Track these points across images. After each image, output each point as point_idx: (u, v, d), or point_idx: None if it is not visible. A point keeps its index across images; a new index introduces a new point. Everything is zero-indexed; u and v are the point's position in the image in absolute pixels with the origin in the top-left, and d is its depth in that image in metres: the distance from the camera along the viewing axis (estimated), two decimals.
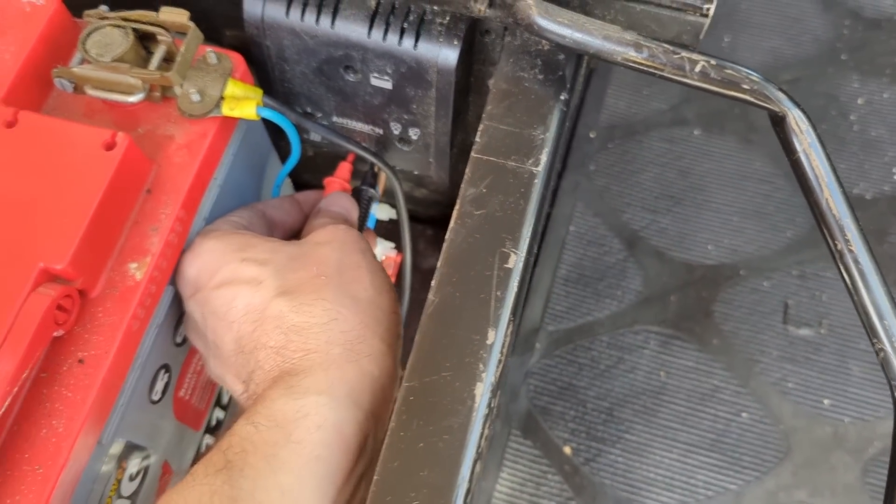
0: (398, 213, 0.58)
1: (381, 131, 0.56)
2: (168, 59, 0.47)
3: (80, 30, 0.49)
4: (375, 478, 0.35)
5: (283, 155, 0.61)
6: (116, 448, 0.47)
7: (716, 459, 0.73)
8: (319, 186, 0.60)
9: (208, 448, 0.58)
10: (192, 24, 0.45)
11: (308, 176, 0.73)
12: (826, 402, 0.75)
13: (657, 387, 0.76)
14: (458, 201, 0.40)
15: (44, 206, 0.41)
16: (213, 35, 0.48)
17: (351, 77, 0.52)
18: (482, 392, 0.36)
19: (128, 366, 0.44)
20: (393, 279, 0.59)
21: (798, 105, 0.39)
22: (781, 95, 0.38)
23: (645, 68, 0.40)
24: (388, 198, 0.72)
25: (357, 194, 0.58)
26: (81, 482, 0.42)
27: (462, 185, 0.41)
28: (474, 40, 0.50)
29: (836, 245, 0.39)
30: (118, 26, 0.46)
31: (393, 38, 0.48)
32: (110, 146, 0.43)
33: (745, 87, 0.39)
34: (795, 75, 0.89)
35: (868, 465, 0.72)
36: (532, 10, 0.40)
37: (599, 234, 0.84)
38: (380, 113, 0.54)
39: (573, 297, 0.80)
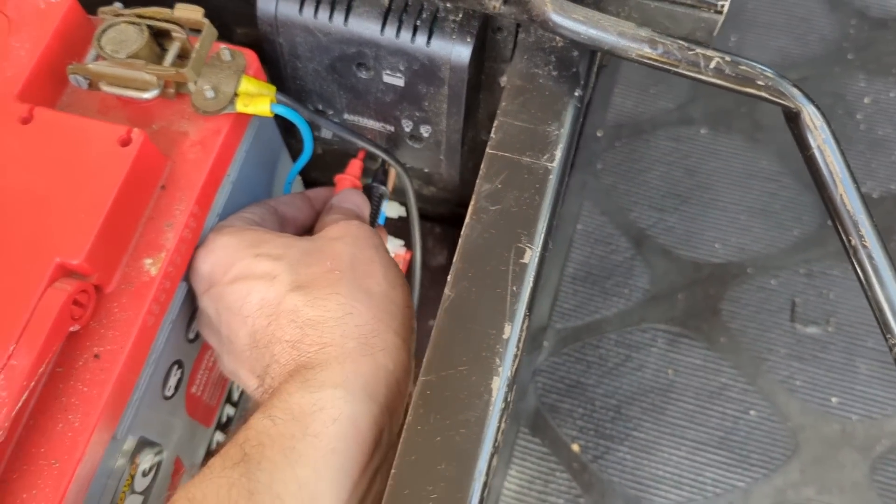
0: (408, 211, 0.58)
1: (392, 128, 0.57)
2: (182, 56, 0.47)
3: (94, 27, 0.49)
4: (393, 471, 0.35)
5: (293, 153, 0.61)
6: (130, 444, 0.47)
7: (724, 457, 0.73)
8: (329, 184, 0.60)
9: (223, 442, 0.58)
10: (206, 21, 0.46)
11: (317, 174, 0.73)
12: (834, 399, 0.75)
13: (665, 384, 0.77)
14: (474, 197, 0.40)
15: (60, 202, 0.42)
16: (224, 33, 0.48)
17: (363, 74, 0.52)
18: (499, 386, 0.36)
19: (142, 361, 0.44)
20: None
21: (812, 101, 0.39)
22: (796, 92, 0.39)
23: (660, 65, 0.40)
24: (398, 195, 0.72)
25: (368, 191, 0.58)
26: (96, 477, 0.43)
27: (477, 181, 0.41)
28: (486, 38, 0.50)
29: (850, 241, 0.39)
30: (133, 23, 0.46)
31: (406, 36, 0.48)
32: (126, 142, 0.43)
33: (760, 83, 0.39)
34: (802, 74, 0.89)
35: (876, 463, 0.72)
36: (547, 6, 0.40)
37: (607, 233, 0.84)
38: (391, 110, 0.55)
39: (581, 296, 0.81)
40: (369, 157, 0.60)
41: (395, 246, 0.72)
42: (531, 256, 0.39)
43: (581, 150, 0.85)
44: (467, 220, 0.40)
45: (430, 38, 0.48)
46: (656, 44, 0.39)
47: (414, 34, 0.48)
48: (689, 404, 0.76)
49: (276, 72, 0.54)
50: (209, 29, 0.46)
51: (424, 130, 0.55)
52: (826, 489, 0.71)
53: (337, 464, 0.37)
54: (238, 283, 0.43)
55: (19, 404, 0.38)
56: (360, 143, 0.56)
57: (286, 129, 0.59)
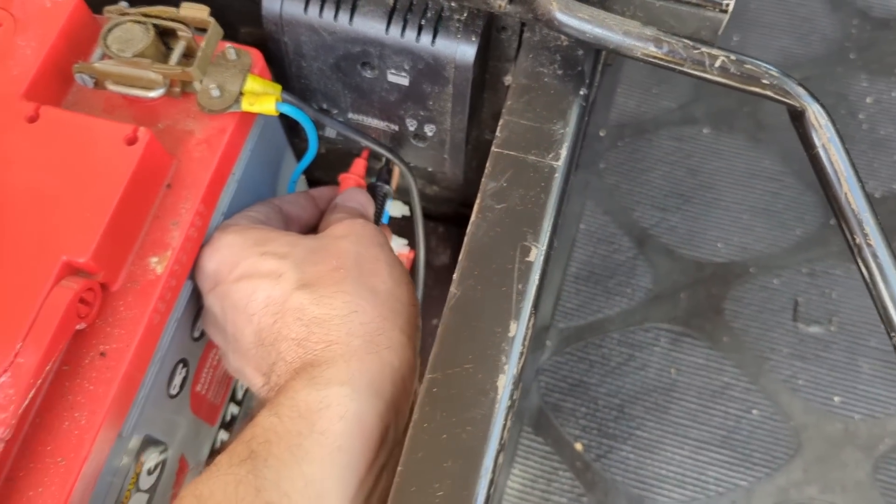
0: (412, 210, 0.58)
1: (396, 128, 0.57)
2: (187, 55, 0.47)
3: (99, 26, 0.49)
4: (399, 468, 0.35)
5: (297, 152, 0.61)
6: (135, 442, 0.47)
7: (727, 456, 0.73)
8: (331, 183, 0.60)
9: (230, 439, 0.58)
10: (212, 20, 0.46)
11: (320, 173, 0.73)
12: (836, 398, 0.75)
13: (668, 384, 0.77)
14: (479, 195, 0.41)
15: (66, 201, 0.42)
16: (228, 32, 0.48)
17: (368, 73, 0.52)
18: (505, 384, 0.36)
19: (148, 359, 0.44)
20: None
21: (817, 100, 0.39)
22: (801, 90, 0.39)
23: (665, 63, 0.40)
24: (401, 195, 0.72)
25: (372, 190, 0.58)
26: (102, 475, 0.43)
27: (483, 179, 0.41)
28: (491, 37, 0.50)
29: (854, 239, 0.39)
30: (139, 22, 0.46)
31: (411, 35, 0.48)
32: (132, 141, 0.43)
33: (765, 81, 0.39)
34: (804, 74, 0.89)
35: (879, 462, 0.73)
36: (552, 5, 0.40)
37: (609, 232, 0.84)
38: (396, 109, 0.55)
39: (584, 295, 0.81)
40: (373, 156, 0.61)
41: (398, 245, 0.72)
42: (537, 255, 0.39)
43: (584, 150, 0.85)
44: (473, 218, 0.40)
45: (434, 37, 0.48)
46: (661, 42, 0.39)
47: (419, 33, 0.48)
48: (691, 403, 0.76)
49: (281, 71, 0.54)
50: (215, 28, 0.46)
51: (429, 129, 0.56)
52: (829, 488, 0.72)
53: (343, 461, 0.37)
54: (243, 282, 0.43)
55: (26, 402, 0.38)
56: (365, 142, 0.56)
57: (289, 128, 0.59)
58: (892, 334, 0.40)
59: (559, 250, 0.79)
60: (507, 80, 0.53)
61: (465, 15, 0.48)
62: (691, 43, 0.39)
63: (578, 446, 0.74)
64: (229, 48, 0.47)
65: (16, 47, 0.46)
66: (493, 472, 0.35)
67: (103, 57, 0.46)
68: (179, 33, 0.46)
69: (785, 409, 0.75)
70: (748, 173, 0.87)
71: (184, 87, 0.47)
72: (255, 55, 0.49)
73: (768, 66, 0.39)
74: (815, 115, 0.39)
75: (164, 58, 0.46)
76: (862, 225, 0.39)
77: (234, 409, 0.62)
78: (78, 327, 0.41)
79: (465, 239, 0.40)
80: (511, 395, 0.36)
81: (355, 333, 0.40)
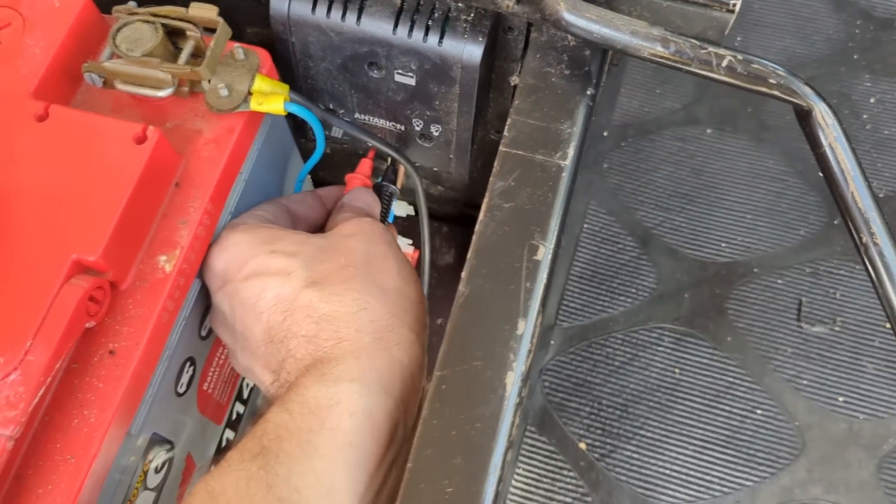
0: (418, 210, 0.59)
1: (402, 128, 0.57)
2: (196, 55, 0.47)
3: (107, 25, 0.50)
4: (409, 465, 0.35)
5: (303, 152, 0.61)
6: (143, 440, 0.47)
7: (730, 456, 0.73)
8: (337, 183, 0.60)
9: (240, 436, 0.59)
10: (221, 20, 0.46)
11: (325, 173, 0.73)
12: (840, 398, 0.75)
13: (671, 383, 0.77)
14: (487, 194, 0.41)
15: (76, 199, 0.42)
16: (234, 32, 0.49)
17: (375, 73, 0.52)
18: (513, 381, 0.37)
19: (157, 358, 0.45)
20: None
21: (824, 99, 0.39)
22: (808, 90, 0.39)
23: (672, 63, 0.40)
24: (406, 195, 0.73)
25: (378, 190, 0.58)
26: (110, 473, 0.43)
27: (490, 179, 0.41)
28: (497, 37, 0.51)
29: (860, 238, 0.40)
30: (147, 22, 0.46)
31: (418, 35, 0.48)
32: (141, 140, 0.43)
33: (772, 81, 0.39)
34: (808, 75, 0.89)
35: (883, 462, 0.72)
36: (560, 5, 0.40)
37: (613, 232, 0.84)
38: (402, 109, 0.55)
39: (587, 295, 0.81)
40: (378, 156, 0.61)
41: (402, 245, 0.72)
42: (544, 253, 0.39)
43: (587, 150, 0.85)
44: (481, 217, 0.40)
45: (441, 37, 0.48)
46: (669, 42, 0.40)
47: (426, 34, 0.48)
48: (695, 403, 0.76)
49: (288, 71, 0.54)
50: (223, 28, 0.46)
51: (435, 129, 0.56)
52: (833, 488, 0.71)
53: (353, 457, 0.37)
54: (253, 280, 0.44)
55: (36, 400, 0.38)
56: (372, 142, 0.56)
57: (296, 128, 0.59)
58: None
59: (563, 250, 0.79)
60: (513, 80, 0.53)
61: (472, 15, 0.48)
62: (698, 43, 0.40)
63: (582, 445, 0.74)
64: (238, 48, 0.48)
65: (25, 46, 0.47)
66: (502, 468, 0.35)
67: (112, 56, 0.47)
68: (188, 33, 0.46)
69: (789, 408, 0.75)
70: (752, 173, 0.87)
71: (192, 86, 0.47)
72: (262, 55, 0.49)
73: (775, 65, 0.40)
74: (822, 114, 0.39)
75: (173, 57, 0.47)
76: (868, 224, 0.39)
77: (239, 407, 0.62)
78: (87, 325, 0.41)
79: (474, 237, 0.40)
80: (519, 393, 0.37)
81: (365, 330, 0.41)
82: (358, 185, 0.57)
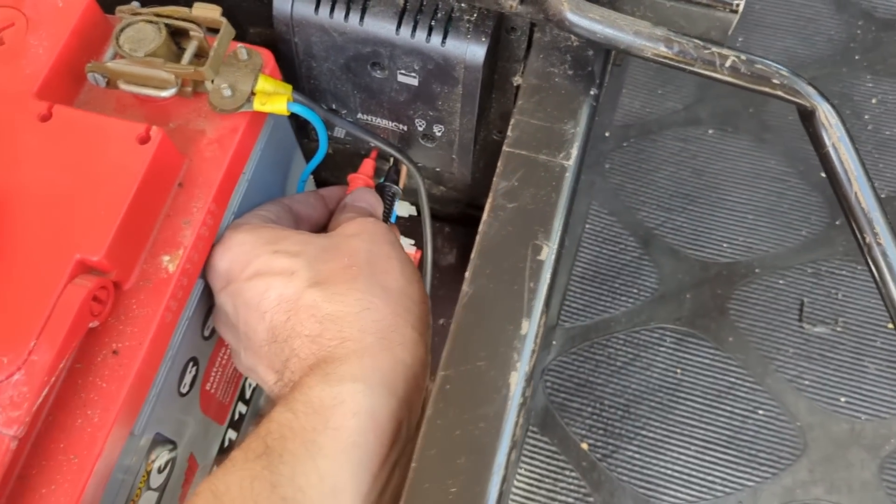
0: (420, 210, 0.59)
1: (405, 128, 0.57)
2: (199, 55, 0.47)
3: (111, 26, 0.50)
4: (413, 465, 0.35)
5: (305, 152, 0.62)
6: (146, 440, 0.47)
7: (732, 456, 0.73)
8: (338, 183, 0.61)
9: (245, 435, 0.59)
10: (224, 20, 0.46)
11: (327, 173, 0.73)
12: (842, 399, 0.75)
13: (673, 384, 0.77)
14: (491, 194, 0.41)
15: (79, 199, 0.42)
16: (237, 32, 0.49)
17: (378, 74, 0.52)
18: (517, 381, 0.37)
19: (160, 358, 0.45)
20: None
21: (827, 99, 0.39)
22: (811, 90, 0.39)
23: (675, 64, 0.40)
24: (408, 195, 0.73)
25: (381, 190, 0.58)
26: (114, 473, 0.43)
27: (494, 179, 0.41)
28: (500, 37, 0.51)
29: (864, 238, 0.40)
30: (151, 22, 0.46)
31: (421, 35, 0.48)
32: (144, 140, 0.43)
33: (776, 81, 0.39)
34: (809, 75, 0.89)
35: (885, 462, 0.72)
36: (563, 5, 0.40)
37: (615, 233, 0.84)
38: (405, 109, 0.55)
39: (589, 295, 0.81)
40: (380, 156, 0.61)
41: (405, 245, 0.72)
42: (548, 253, 0.39)
43: (589, 151, 0.85)
44: (484, 217, 0.40)
45: (445, 37, 0.48)
46: (672, 43, 0.40)
47: (429, 34, 0.48)
48: (697, 403, 0.76)
49: (291, 71, 0.54)
50: (227, 28, 0.46)
51: (437, 130, 0.56)
52: (835, 488, 0.72)
53: (357, 457, 0.37)
54: (256, 280, 0.44)
55: (39, 400, 0.38)
56: (375, 142, 0.56)
57: (297, 128, 0.59)
58: None
59: (564, 250, 0.78)
60: (516, 80, 0.53)
61: (476, 15, 0.48)
62: (702, 43, 0.40)
63: (584, 446, 0.74)
64: (241, 48, 0.48)
65: (28, 46, 0.47)
66: (506, 468, 0.35)
67: (115, 56, 0.47)
68: (191, 33, 0.46)
69: (791, 409, 0.75)
70: (753, 174, 0.87)
71: (195, 86, 0.47)
72: (266, 55, 0.49)
73: (778, 65, 0.40)
74: (826, 114, 0.39)
75: (176, 57, 0.47)
76: (872, 224, 0.39)
77: (242, 408, 0.62)
78: (91, 325, 0.41)
79: (478, 237, 0.40)
80: (523, 392, 0.37)
81: (368, 330, 0.41)
82: (360, 186, 0.57)
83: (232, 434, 0.61)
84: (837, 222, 0.84)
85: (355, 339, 0.40)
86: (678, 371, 0.77)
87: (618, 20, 0.40)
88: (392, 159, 0.60)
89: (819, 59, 0.93)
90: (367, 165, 0.59)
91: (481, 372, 0.37)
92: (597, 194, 0.86)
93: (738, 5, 0.41)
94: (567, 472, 0.73)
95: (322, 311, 0.41)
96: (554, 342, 0.78)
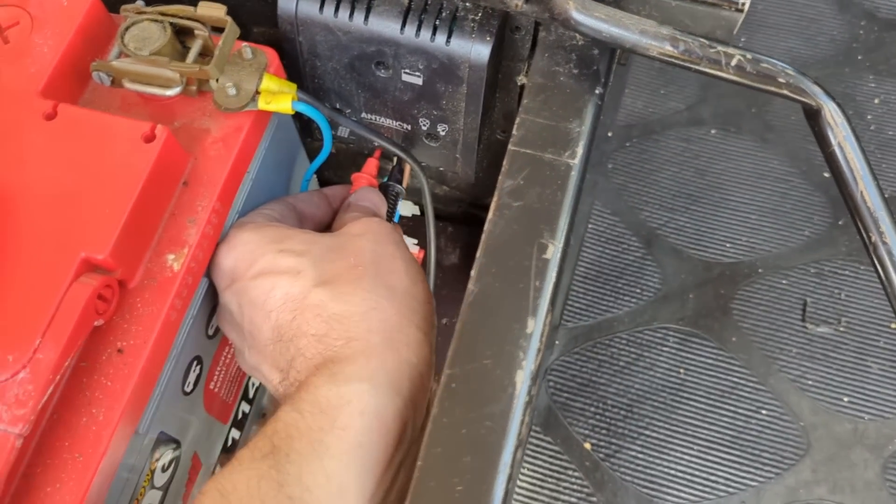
0: (424, 210, 0.59)
1: (409, 127, 0.57)
2: (204, 54, 0.47)
3: (115, 24, 0.50)
4: (419, 463, 0.35)
5: (308, 152, 0.62)
6: (150, 439, 0.47)
7: (735, 456, 0.73)
8: (341, 183, 0.61)
9: (249, 434, 0.59)
10: (229, 19, 0.46)
11: (330, 173, 0.73)
12: (845, 399, 0.75)
13: (676, 383, 0.77)
14: (496, 193, 0.41)
15: (84, 198, 0.42)
16: (241, 31, 0.49)
17: (382, 73, 0.52)
18: (522, 380, 0.37)
19: (165, 356, 0.45)
20: None
21: (833, 98, 0.39)
22: (817, 89, 0.39)
23: (681, 62, 0.40)
24: (411, 194, 0.73)
25: (384, 190, 0.58)
26: (118, 471, 0.43)
27: (499, 177, 0.41)
28: (504, 37, 0.51)
29: (870, 238, 0.40)
30: (156, 20, 0.46)
31: (426, 34, 0.48)
32: (149, 139, 0.43)
33: (781, 80, 0.39)
34: (812, 75, 0.89)
35: (888, 462, 0.72)
36: (569, 4, 0.40)
37: (617, 232, 0.84)
38: (409, 109, 0.55)
39: (592, 295, 0.81)
40: (384, 156, 0.61)
41: (408, 244, 0.72)
42: (553, 252, 0.39)
43: (592, 151, 0.85)
44: (490, 215, 0.40)
45: (449, 36, 0.48)
46: (678, 42, 0.40)
47: (433, 33, 0.48)
48: (700, 403, 0.76)
49: (295, 70, 0.54)
50: (232, 26, 0.46)
51: (441, 129, 0.56)
52: (838, 488, 0.71)
53: (363, 457, 0.37)
54: (262, 279, 0.44)
55: (44, 398, 0.38)
56: (378, 141, 0.56)
57: (301, 128, 0.59)
58: None
59: (569, 250, 0.78)
60: (520, 79, 0.53)
61: (480, 15, 0.48)
62: (707, 42, 0.40)
63: (587, 445, 0.74)
64: (245, 47, 0.48)
65: (33, 45, 0.47)
66: (512, 467, 0.35)
67: (120, 55, 0.47)
68: (196, 32, 0.46)
69: (794, 409, 0.75)
70: (756, 174, 0.87)
71: (200, 85, 0.47)
72: (270, 54, 0.49)
73: (784, 64, 0.40)
74: (831, 113, 0.39)
75: (181, 56, 0.47)
76: (877, 223, 0.39)
77: (245, 407, 0.62)
78: (96, 324, 0.41)
79: (483, 236, 0.40)
80: (529, 391, 0.37)
81: (375, 330, 0.41)
82: (364, 185, 0.57)
83: (235, 433, 0.61)
84: (840, 222, 0.84)
85: (362, 339, 0.40)
86: (681, 371, 0.77)
87: (623, 19, 0.40)
88: (395, 159, 0.60)
89: (822, 60, 0.93)
90: (371, 165, 0.59)
91: (487, 370, 0.37)
92: (600, 194, 0.86)
93: (743, 4, 0.41)
94: (570, 472, 0.73)
95: (328, 310, 0.41)
96: (557, 342, 0.78)
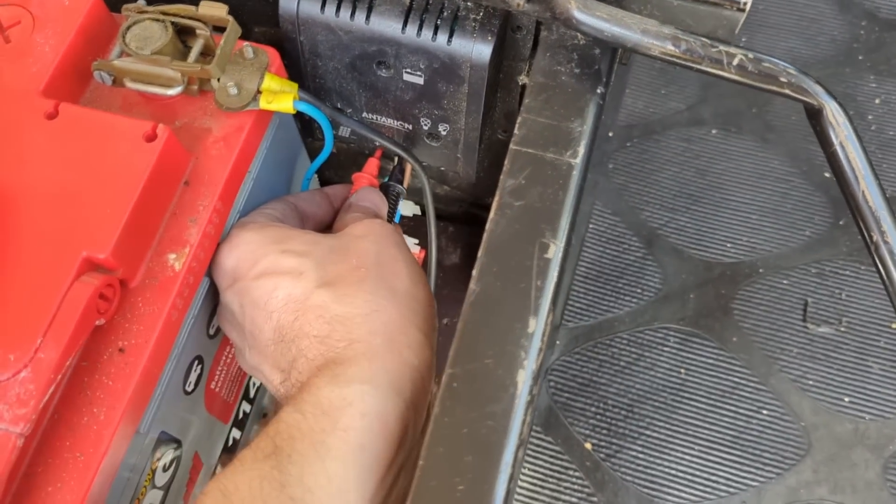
0: (425, 210, 0.59)
1: (410, 127, 0.57)
2: (205, 53, 0.47)
3: (116, 24, 0.50)
4: (420, 463, 0.35)
5: (309, 151, 0.62)
6: (151, 438, 0.47)
7: (736, 456, 0.73)
8: (342, 182, 0.61)
9: (250, 435, 0.58)
10: (230, 18, 0.46)
11: (330, 172, 0.73)
12: (846, 399, 0.75)
13: (677, 383, 0.77)
14: (497, 192, 0.41)
15: (86, 197, 0.42)
16: (242, 31, 0.49)
17: (383, 73, 0.52)
18: (524, 379, 0.37)
19: (166, 356, 0.45)
20: None
21: (835, 98, 0.39)
22: (819, 88, 0.39)
23: (682, 62, 0.40)
24: (412, 194, 0.73)
25: (385, 190, 0.58)
26: (119, 471, 0.43)
27: (501, 177, 0.41)
28: (506, 36, 0.51)
29: (871, 237, 0.40)
30: (157, 20, 0.46)
31: (427, 34, 0.48)
32: (151, 138, 0.43)
33: (783, 80, 0.39)
34: (813, 76, 0.89)
35: (889, 462, 0.73)
36: (571, 4, 0.40)
37: (618, 232, 0.84)
38: (410, 108, 0.55)
39: (593, 295, 0.81)
40: (385, 156, 0.61)
41: (409, 244, 0.72)
42: (555, 252, 0.39)
43: (592, 151, 0.86)
44: (492, 215, 0.40)
45: (451, 36, 0.48)
46: (679, 41, 0.40)
47: (435, 33, 0.48)
48: (701, 403, 0.76)
49: (296, 70, 0.54)
50: (233, 26, 0.46)
51: (443, 129, 0.56)
52: (839, 489, 0.72)
53: (365, 458, 0.37)
54: (264, 279, 0.44)
55: (46, 397, 0.38)
56: (380, 141, 0.56)
57: (302, 127, 0.59)
58: None
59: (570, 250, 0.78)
60: (521, 79, 0.53)
61: (482, 14, 0.48)
62: (709, 41, 0.40)
63: (588, 445, 0.74)
64: (247, 46, 0.48)
65: (34, 44, 0.47)
66: (513, 466, 0.35)
67: (122, 54, 0.47)
68: (198, 31, 0.46)
69: (795, 409, 0.75)
70: (757, 174, 0.87)
71: (201, 84, 0.47)
72: (271, 53, 0.49)
73: (786, 64, 0.40)
74: (833, 112, 0.39)
75: (183, 56, 0.47)
76: (879, 222, 0.39)
77: (246, 406, 0.62)
78: (97, 323, 0.41)
79: (484, 235, 0.40)
80: (530, 391, 0.37)
81: (377, 332, 0.41)
82: (365, 185, 0.57)
83: (236, 433, 0.61)
84: (841, 222, 0.84)
85: (364, 340, 0.40)
86: (682, 371, 0.77)
87: (625, 18, 0.40)
88: (396, 158, 0.60)
89: (822, 60, 0.93)
90: (372, 164, 0.59)
91: (489, 370, 0.37)
92: (600, 194, 0.86)
93: (745, 4, 0.41)
94: (571, 472, 0.73)
95: (331, 312, 0.41)
96: (558, 342, 0.78)
